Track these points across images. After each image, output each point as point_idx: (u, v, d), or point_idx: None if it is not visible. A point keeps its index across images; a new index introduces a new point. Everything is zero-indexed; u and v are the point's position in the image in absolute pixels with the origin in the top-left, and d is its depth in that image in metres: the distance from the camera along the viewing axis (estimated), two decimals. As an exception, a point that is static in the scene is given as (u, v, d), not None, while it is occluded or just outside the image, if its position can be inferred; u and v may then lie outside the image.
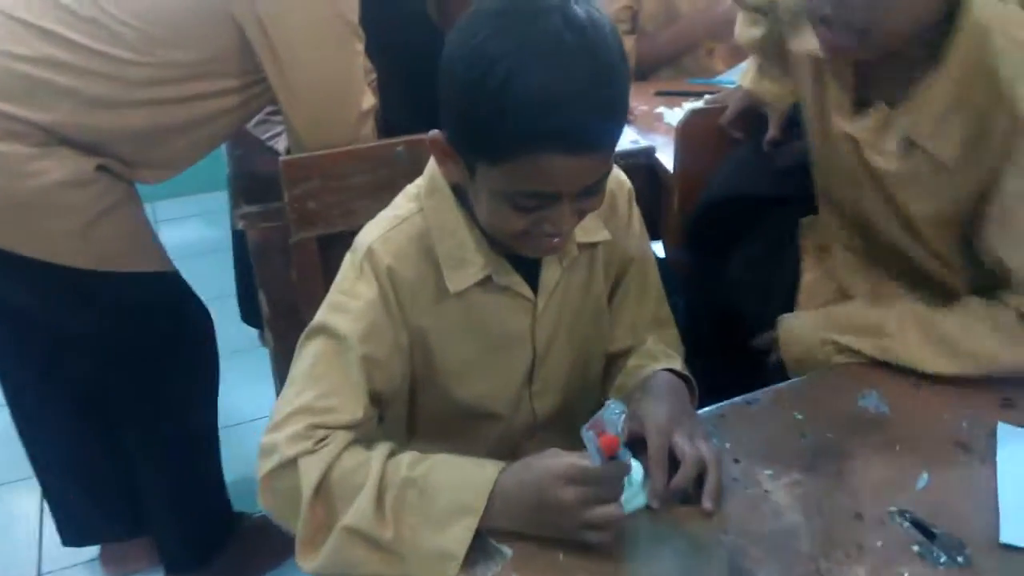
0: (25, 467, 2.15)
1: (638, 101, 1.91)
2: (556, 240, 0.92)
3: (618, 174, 1.11)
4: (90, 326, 1.47)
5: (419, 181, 1.01)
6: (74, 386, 1.60)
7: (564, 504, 0.84)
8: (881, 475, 0.95)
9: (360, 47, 1.38)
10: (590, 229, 1.05)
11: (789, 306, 1.33)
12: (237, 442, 1.82)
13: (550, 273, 1.03)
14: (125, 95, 1.29)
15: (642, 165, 1.64)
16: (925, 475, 0.95)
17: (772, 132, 1.48)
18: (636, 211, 1.13)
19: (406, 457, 0.91)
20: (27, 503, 2.08)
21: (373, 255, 0.96)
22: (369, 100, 1.42)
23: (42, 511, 2.04)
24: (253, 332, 2.45)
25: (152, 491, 1.70)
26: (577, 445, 0.87)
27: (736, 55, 2.03)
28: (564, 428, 1.13)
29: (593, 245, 1.07)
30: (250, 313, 2.36)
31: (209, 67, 1.33)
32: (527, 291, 1.02)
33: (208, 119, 1.38)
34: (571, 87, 0.80)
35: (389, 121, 1.61)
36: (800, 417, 1.04)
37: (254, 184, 1.54)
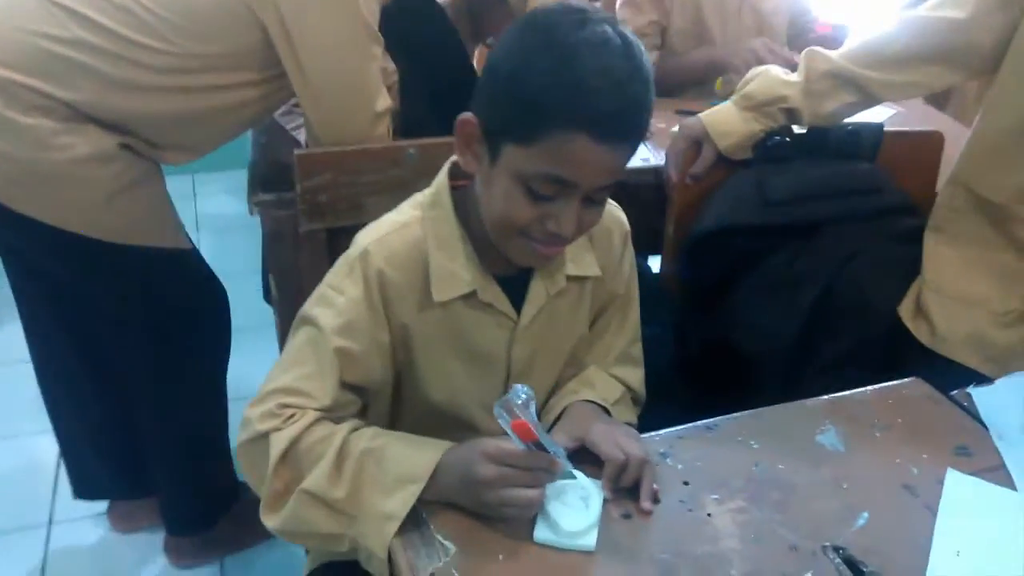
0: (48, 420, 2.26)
1: (657, 118, 1.91)
2: (551, 249, 0.98)
3: (619, 215, 1.16)
4: (110, 294, 1.56)
5: (427, 191, 1.06)
6: (93, 348, 1.68)
7: (483, 480, 0.90)
8: (823, 510, 0.98)
9: (378, 51, 1.44)
10: (582, 263, 1.10)
11: (794, 348, 1.35)
12: (244, 415, 1.89)
13: (536, 297, 1.07)
14: (149, 80, 1.36)
15: (651, 184, 1.67)
16: (866, 514, 0.97)
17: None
18: (630, 252, 1.17)
19: (368, 431, 0.98)
20: (46, 454, 2.18)
21: (367, 256, 1.01)
22: (385, 101, 1.47)
23: (59, 464, 2.13)
24: (271, 310, 2.52)
25: (159, 455, 1.79)
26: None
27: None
28: None
29: (583, 279, 1.11)
30: (270, 292, 2.43)
31: (230, 60, 1.40)
32: (510, 310, 1.06)
33: (229, 109, 1.45)
34: (614, 77, 0.89)
35: (408, 120, 1.66)
36: (756, 446, 1.07)
37: (272, 172, 1.61)
